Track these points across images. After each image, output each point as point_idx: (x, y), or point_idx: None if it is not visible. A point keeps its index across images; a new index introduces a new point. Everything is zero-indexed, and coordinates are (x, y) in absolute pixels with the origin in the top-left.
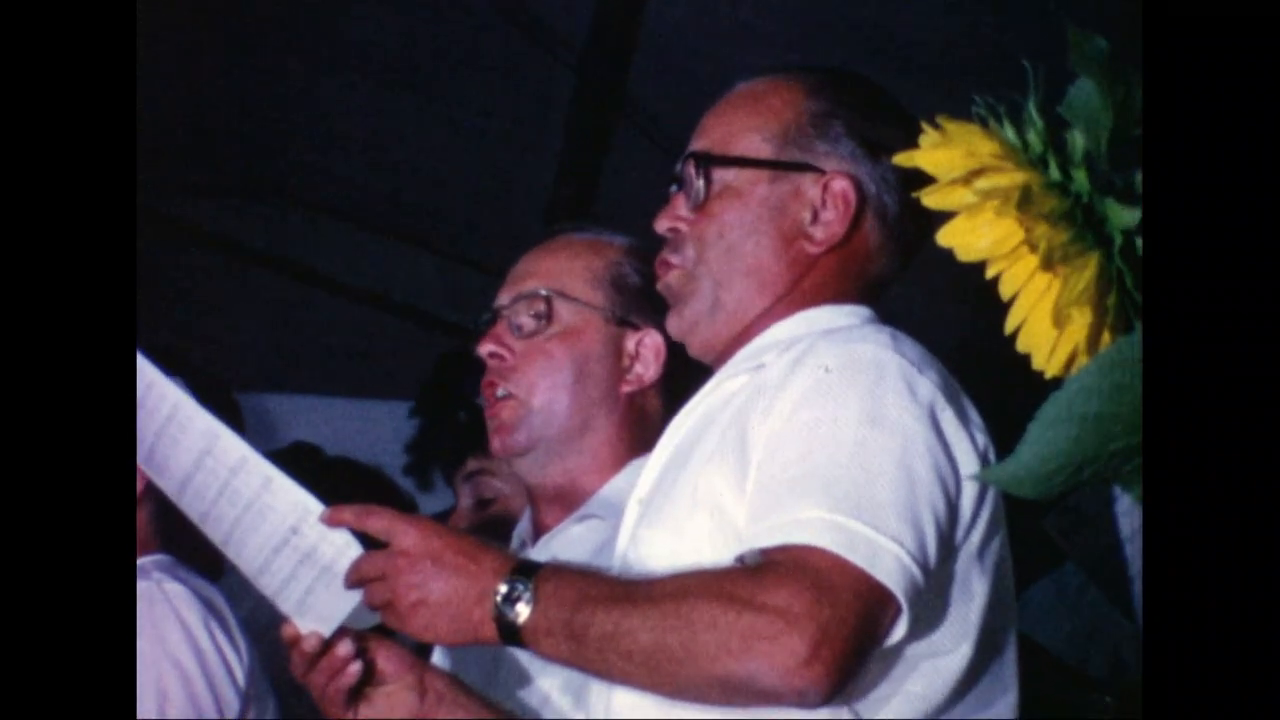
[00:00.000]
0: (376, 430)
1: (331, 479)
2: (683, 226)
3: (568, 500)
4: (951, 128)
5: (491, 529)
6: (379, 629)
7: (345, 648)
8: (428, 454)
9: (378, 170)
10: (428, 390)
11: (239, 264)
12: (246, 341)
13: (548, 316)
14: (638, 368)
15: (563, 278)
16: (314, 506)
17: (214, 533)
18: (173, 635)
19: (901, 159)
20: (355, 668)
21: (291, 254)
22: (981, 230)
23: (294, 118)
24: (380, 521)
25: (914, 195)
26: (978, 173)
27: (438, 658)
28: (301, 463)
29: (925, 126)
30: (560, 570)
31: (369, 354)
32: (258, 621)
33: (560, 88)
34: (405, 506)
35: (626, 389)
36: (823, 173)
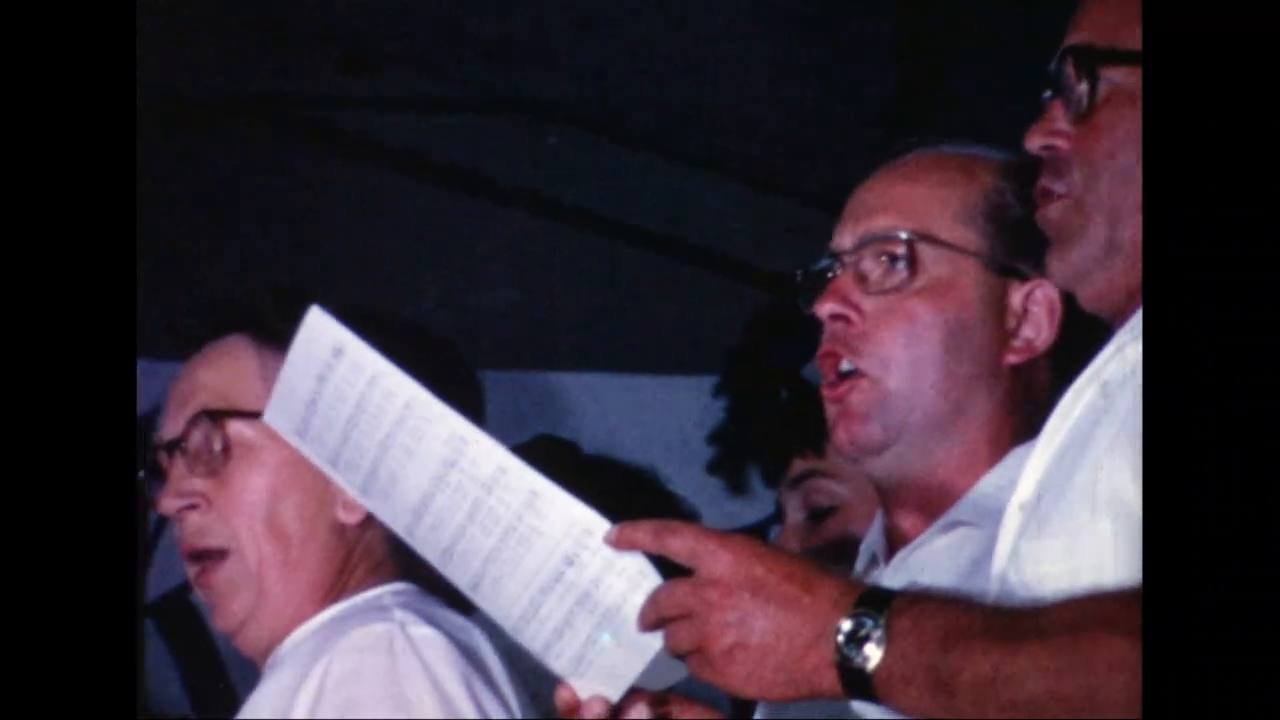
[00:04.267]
0: (667, 416)
1: (588, 488)
2: (1062, 143)
3: (931, 504)
4: None
5: (833, 550)
6: (683, 686)
7: (640, 715)
8: (740, 446)
9: (650, 66)
10: (738, 360)
11: (470, 195)
12: (488, 304)
13: (910, 265)
14: (1026, 330)
15: (926, 213)
16: (595, 525)
17: (459, 573)
18: (421, 696)
19: None
20: None
21: (541, 183)
22: None
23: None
24: (683, 541)
25: None
26: None
27: (760, 713)
28: (549, 465)
29: None
30: (920, 599)
31: (654, 315)
32: (525, 665)
33: None
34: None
35: (1012, 359)
36: None
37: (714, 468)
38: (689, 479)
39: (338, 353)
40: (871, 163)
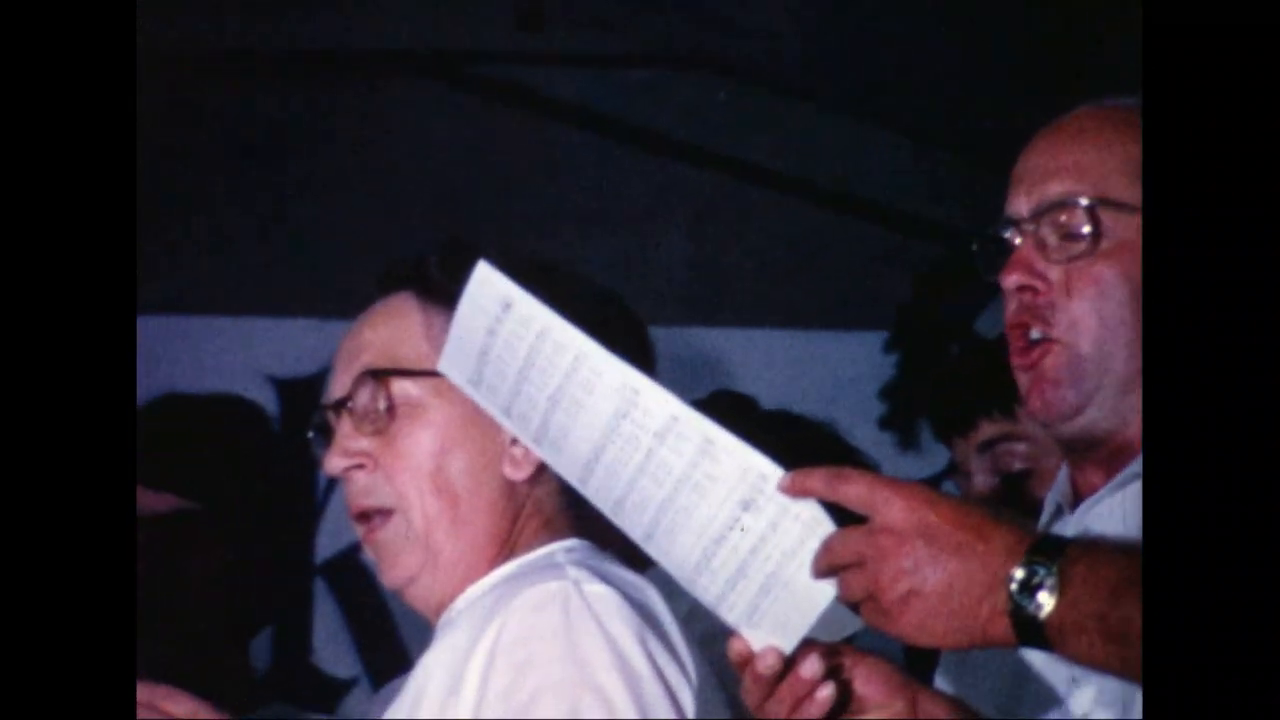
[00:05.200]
0: (839, 372)
1: (768, 443)
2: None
3: (1117, 459)
4: None
5: (1025, 513)
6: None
7: (812, 667)
8: (912, 401)
9: (824, 22)
10: (908, 314)
11: (644, 151)
12: (663, 260)
13: (1093, 231)
14: None
15: (1101, 174)
16: (770, 471)
17: (632, 524)
18: (595, 654)
19: None
20: (826, 693)
21: (714, 138)
22: None
23: None
24: (857, 488)
25: None
26: None
27: (941, 673)
28: (727, 420)
29: None
30: (1094, 548)
31: (826, 269)
32: (699, 623)
33: None
34: None
35: None
36: None
37: (885, 423)
38: (860, 435)
39: (506, 306)
40: (1042, 116)
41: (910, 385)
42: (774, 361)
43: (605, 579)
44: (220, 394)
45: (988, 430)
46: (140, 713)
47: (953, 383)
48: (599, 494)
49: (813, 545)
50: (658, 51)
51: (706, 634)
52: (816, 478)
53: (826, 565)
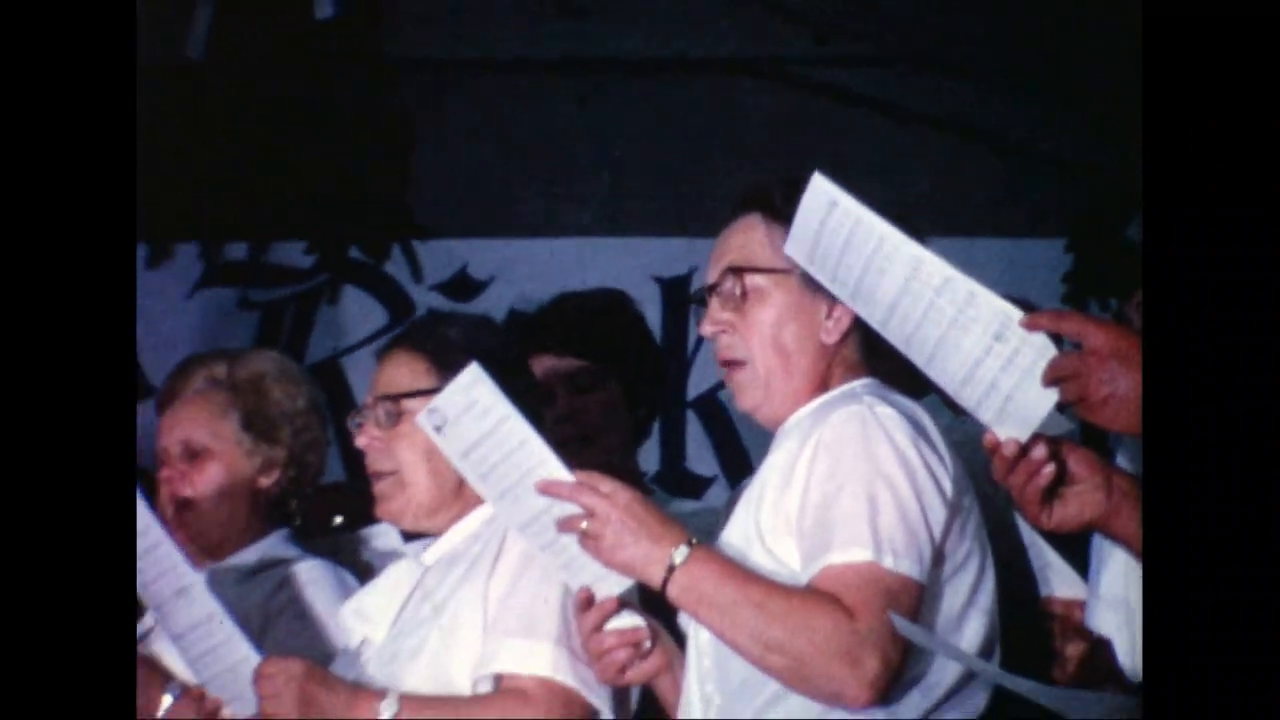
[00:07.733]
0: (1031, 265)
1: None
2: None
3: None
4: None
5: None
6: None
7: (1041, 451)
8: (1086, 287)
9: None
10: (1081, 227)
11: (898, 125)
12: (904, 194)
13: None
14: None
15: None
16: (1014, 314)
17: (917, 354)
18: (884, 454)
19: None
20: (1050, 469)
21: (943, 110)
22: None
23: None
24: (1072, 323)
25: None
26: None
27: (1123, 458)
28: None
29: None
30: None
31: (1024, 192)
32: (955, 432)
33: None
34: None
35: None
36: None
37: (1065, 299)
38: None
39: (833, 205)
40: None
41: (1082, 274)
42: (991, 260)
43: (890, 403)
44: (602, 289)
45: (1139, 295)
46: (577, 489)
47: (1114, 267)
48: (895, 333)
49: (1042, 365)
50: (904, 55)
51: (959, 440)
52: (1046, 317)
53: (1051, 378)
